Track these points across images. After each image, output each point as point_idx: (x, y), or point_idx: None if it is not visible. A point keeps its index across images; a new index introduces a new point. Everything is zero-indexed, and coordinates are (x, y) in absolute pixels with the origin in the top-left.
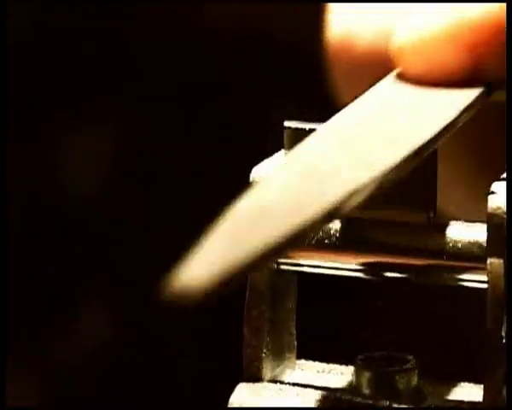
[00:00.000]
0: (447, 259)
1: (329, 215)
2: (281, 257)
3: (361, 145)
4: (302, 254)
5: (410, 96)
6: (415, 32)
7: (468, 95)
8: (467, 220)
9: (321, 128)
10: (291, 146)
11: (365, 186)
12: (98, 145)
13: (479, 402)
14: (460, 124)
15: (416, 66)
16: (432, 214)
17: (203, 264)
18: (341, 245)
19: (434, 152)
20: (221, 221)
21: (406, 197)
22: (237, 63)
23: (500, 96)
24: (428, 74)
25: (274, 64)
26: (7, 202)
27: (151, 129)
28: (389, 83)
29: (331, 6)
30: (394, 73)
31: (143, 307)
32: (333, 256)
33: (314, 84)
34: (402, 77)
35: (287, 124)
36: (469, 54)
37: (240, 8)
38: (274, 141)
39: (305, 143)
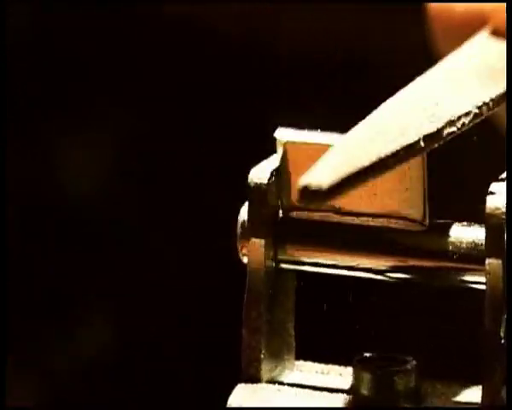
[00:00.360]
0: (446, 260)
1: (431, 137)
2: (389, 169)
3: (455, 90)
4: (301, 253)
5: (500, 53)
6: None
7: None
8: (465, 221)
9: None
10: (283, 155)
11: (456, 118)
12: (98, 145)
13: (477, 403)
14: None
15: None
16: (425, 223)
17: (326, 170)
18: (340, 246)
19: (421, 161)
20: (342, 138)
21: (400, 205)
22: (237, 64)
23: None
24: None
25: (275, 65)
26: (7, 202)
27: (151, 129)
28: (483, 39)
29: None
30: (489, 29)
31: (143, 308)
32: (332, 256)
33: (314, 86)
34: (496, 33)
35: (276, 134)
36: None
37: (240, 9)
38: (273, 142)
39: (403, 92)
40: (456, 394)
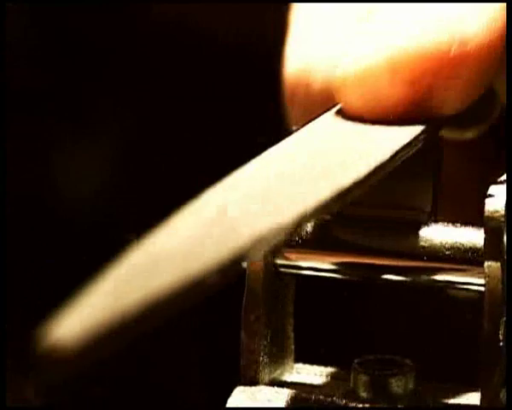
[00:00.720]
0: (445, 262)
1: (230, 262)
2: (172, 312)
3: (285, 183)
4: (299, 256)
5: (349, 131)
6: (354, 65)
7: (409, 132)
8: (465, 223)
9: (251, 163)
10: None
11: (274, 234)
12: (99, 148)
13: (476, 405)
14: (397, 163)
15: (355, 101)
16: (432, 216)
17: (79, 317)
18: (339, 248)
19: (439, 155)
20: (109, 270)
21: (407, 198)
22: (238, 65)
23: (450, 133)
24: (368, 110)
25: (268, 65)
26: (7, 202)
27: (152, 132)
28: (329, 117)
29: (289, 39)
30: (336, 107)
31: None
32: (330, 259)
33: None
34: (343, 112)
35: None
36: (410, 88)
37: (238, 10)
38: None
39: (230, 179)
40: (454, 396)
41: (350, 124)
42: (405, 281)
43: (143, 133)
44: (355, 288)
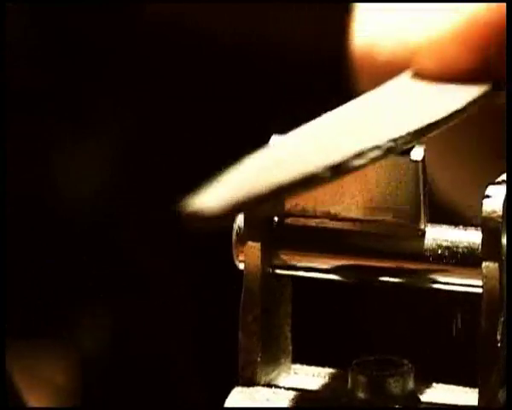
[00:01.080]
0: (443, 263)
1: (329, 170)
2: (284, 198)
3: (361, 125)
4: (297, 257)
5: (419, 90)
6: (428, 33)
7: (474, 91)
8: (462, 224)
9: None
10: None
11: (366, 152)
12: (99, 148)
13: (474, 406)
14: (463, 116)
15: (429, 65)
16: (422, 226)
17: (217, 193)
18: (336, 251)
19: (419, 165)
20: (238, 165)
21: (395, 212)
22: (239, 65)
23: (502, 97)
24: (441, 73)
25: (267, 65)
26: (7, 202)
27: (152, 132)
28: (402, 80)
29: (356, 15)
30: (409, 72)
31: (141, 311)
32: (327, 260)
33: (307, 87)
34: (416, 75)
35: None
36: (477, 54)
37: (239, 11)
38: None
39: (316, 121)
40: (452, 397)
41: (424, 84)
42: (403, 282)
43: (143, 133)
44: (353, 289)
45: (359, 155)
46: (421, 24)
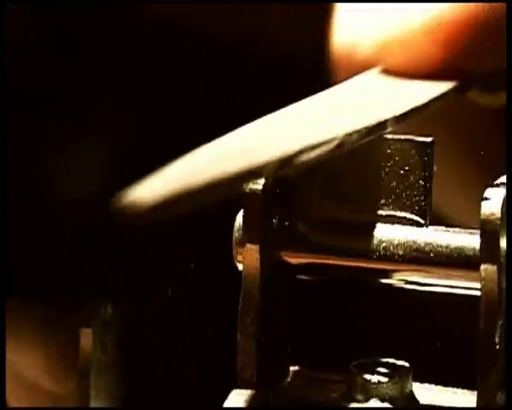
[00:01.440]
0: (441, 265)
1: (280, 163)
2: (229, 193)
3: (324, 117)
4: (296, 259)
5: (386, 85)
6: (397, 29)
7: (441, 87)
8: (461, 226)
9: (295, 104)
10: None
11: (314, 145)
12: (99, 148)
13: (472, 408)
14: (426, 112)
15: (396, 60)
16: (427, 220)
17: (154, 186)
18: (337, 250)
19: (430, 158)
20: (179, 159)
21: (401, 203)
22: (240, 65)
23: (478, 97)
24: (408, 68)
25: (266, 65)
26: (7, 202)
27: (152, 132)
28: (369, 75)
29: (336, 13)
30: (377, 67)
31: (140, 312)
32: (327, 262)
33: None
34: (383, 71)
35: None
36: (446, 49)
37: (228, 8)
38: None
39: (277, 113)
40: (451, 400)
41: (390, 80)
42: (402, 284)
43: (143, 133)
44: (351, 290)
45: (307, 149)
46: (392, 21)
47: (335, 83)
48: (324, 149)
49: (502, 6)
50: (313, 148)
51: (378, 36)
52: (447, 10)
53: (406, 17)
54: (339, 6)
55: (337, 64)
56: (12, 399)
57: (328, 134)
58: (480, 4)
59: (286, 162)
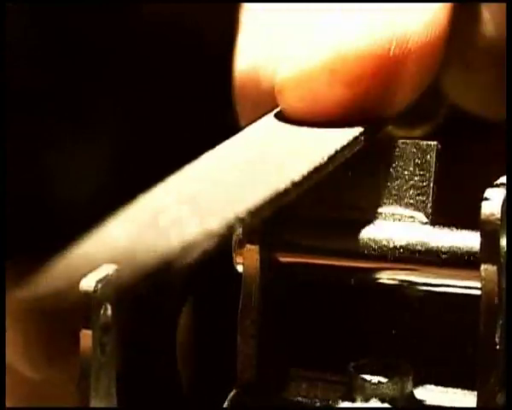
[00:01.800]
0: (441, 265)
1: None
2: None
3: (221, 187)
4: (295, 260)
5: (289, 133)
6: (293, 67)
7: (349, 133)
8: (461, 227)
9: (188, 166)
10: None
11: (203, 238)
12: (99, 148)
13: (472, 408)
14: (335, 164)
15: (294, 103)
16: (429, 216)
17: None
18: (336, 251)
19: (434, 160)
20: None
21: (404, 204)
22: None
23: (398, 131)
24: (307, 112)
25: None
26: (7, 202)
27: (152, 132)
28: (270, 120)
29: (239, 39)
30: (276, 110)
31: (140, 313)
32: (327, 263)
33: None
34: (283, 114)
35: None
36: (348, 90)
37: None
38: None
39: (166, 182)
40: (451, 399)
41: (290, 126)
42: (401, 284)
43: (143, 133)
44: (351, 291)
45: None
46: (291, 52)
47: (238, 109)
48: (216, 236)
49: (414, 37)
50: (204, 238)
51: (277, 70)
52: (351, 43)
53: (306, 51)
54: (245, 24)
55: (240, 91)
56: None
57: (221, 218)
58: (389, 36)
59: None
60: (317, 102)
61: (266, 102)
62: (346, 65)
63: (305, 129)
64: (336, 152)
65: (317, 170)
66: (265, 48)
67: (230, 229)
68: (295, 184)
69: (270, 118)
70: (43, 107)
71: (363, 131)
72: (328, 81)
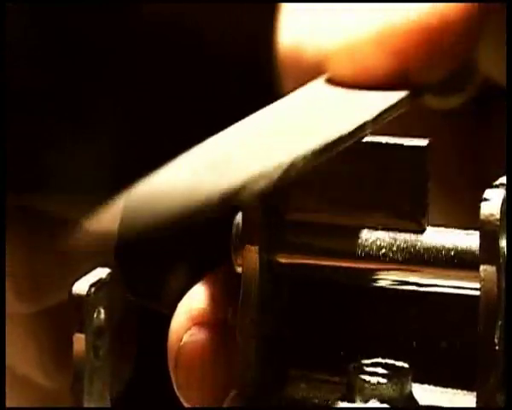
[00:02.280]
0: (440, 266)
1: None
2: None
3: (275, 137)
4: (295, 260)
5: (337, 96)
6: (345, 37)
7: (392, 97)
8: (460, 228)
9: (242, 122)
10: None
11: (269, 174)
12: (99, 148)
13: (472, 408)
14: (379, 124)
15: (343, 69)
16: (424, 223)
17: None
18: (336, 251)
19: (425, 162)
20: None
21: (398, 207)
22: (241, 66)
23: (431, 100)
24: (354, 79)
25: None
26: (5, 202)
27: (152, 132)
28: (318, 84)
29: (282, 14)
30: (324, 76)
31: (140, 313)
32: (327, 263)
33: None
34: (331, 80)
35: None
36: (395, 58)
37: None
38: None
39: (226, 132)
40: (450, 400)
41: (338, 90)
42: (401, 284)
43: (143, 133)
44: (351, 292)
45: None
46: (340, 28)
47: (281, 85)
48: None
49: (454, 14)
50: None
51: (324, 42)
52: (398, 18)
53: (354, 25)
54: (285, 7)
55: (283, 66)
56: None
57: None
58: (432, 12)
59: (289, 170)
60: (365, 70)
61: (308, 76)
62: (393, 35)
63: (351, 92)
64: (381, 113)
65: (362, 127)
66: (307, 24)
67: (286, 173)
68: (344, 138)
69: (314, 85)
70: (43, 107)
71: (406, 96)
72: (376, 50)
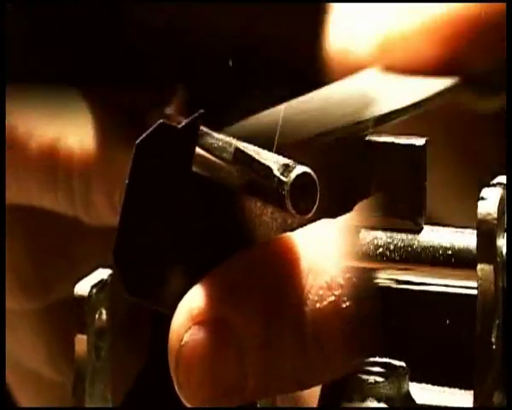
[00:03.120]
0: (438, 265)
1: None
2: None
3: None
4: None
5: (388, 81)
6: (395, 28)
7: (441, 83)
8: (457, 226)
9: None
10: None
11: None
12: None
13: (469, 408)
14: (431, 105)
15: (396, 59)
16: (420, 222)
17: None
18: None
19: (422, 162)
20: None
21: (395, 205)
22: (241, 66)
23: (470, 99)
24: (408, 66)
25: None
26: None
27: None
28: (369, 72)
29: (330, 16)
30: (368, 70)
31: (140, 314)
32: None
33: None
34: (382, 69)
35: None
36: (444, 46)
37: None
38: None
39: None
40: (448, 399)
41: (389, 76)
42: (399, 284)
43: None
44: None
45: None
46: (391, 21)
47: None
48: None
49: (501, 7)
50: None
51: (376, 37)
52: (446, 11)
53: (406, 17)
54: (333, 7)
55: (331, 65)
56: (13, 388)
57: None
58: (479, 5)
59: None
60: (416, 58)
61: (357, 70)
62: (441, 25)
63: (402, 79)
64: (435, 94)
65: (420, 103)
66: (355, 26)
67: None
68: (412, 106)
69: (370, 71)
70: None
71: (457, 82)
72: (427, 40)
